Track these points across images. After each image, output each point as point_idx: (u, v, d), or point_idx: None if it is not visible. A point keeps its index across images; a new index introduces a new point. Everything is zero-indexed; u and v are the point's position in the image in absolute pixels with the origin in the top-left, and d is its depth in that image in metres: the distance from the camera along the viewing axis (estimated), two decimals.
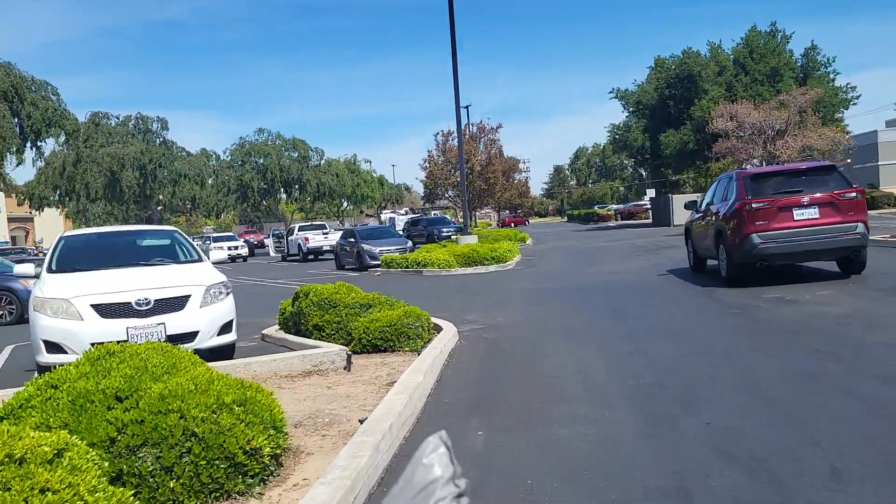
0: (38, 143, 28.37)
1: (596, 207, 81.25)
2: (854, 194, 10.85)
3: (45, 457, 2.67)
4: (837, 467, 3.54)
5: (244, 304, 15.60)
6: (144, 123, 44.51)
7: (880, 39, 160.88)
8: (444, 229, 35.28)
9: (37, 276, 7.73)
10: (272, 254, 44.50)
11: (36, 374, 4.94)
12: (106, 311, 6.67)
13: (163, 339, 6.74)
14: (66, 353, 6.48)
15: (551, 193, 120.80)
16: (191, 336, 6.93)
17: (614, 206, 77.82)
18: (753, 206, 10.77)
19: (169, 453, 3.47)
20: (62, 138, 31.05)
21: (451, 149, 38.61)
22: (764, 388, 5.13)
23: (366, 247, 24.33)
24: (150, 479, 3.40)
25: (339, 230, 34.31)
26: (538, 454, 4.13)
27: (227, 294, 7.41)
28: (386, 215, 63.87)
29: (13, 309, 14.32)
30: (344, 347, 7.03)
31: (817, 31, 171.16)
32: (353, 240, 25.40)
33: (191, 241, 8.52)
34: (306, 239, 35.66)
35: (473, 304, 11.99)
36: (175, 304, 6.92)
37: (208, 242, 44.99)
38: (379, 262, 22.77)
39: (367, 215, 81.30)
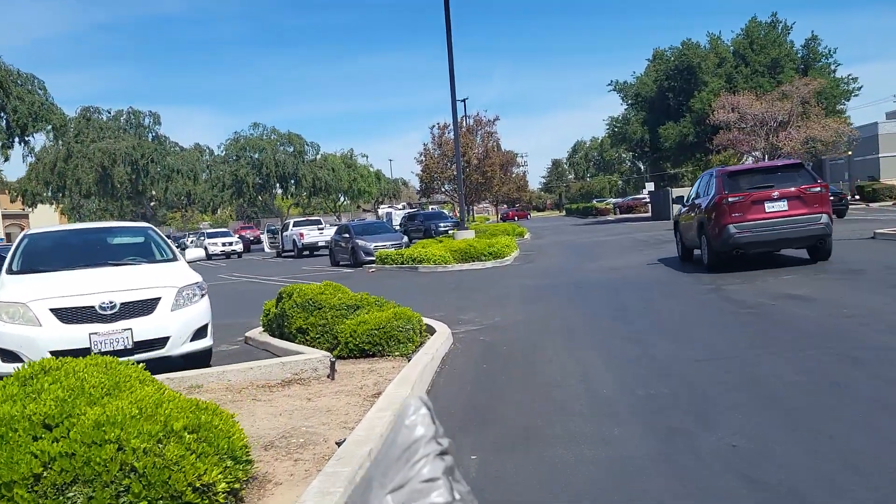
0: (27, 138, 27.76)
1: (594, 201, 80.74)
2: (819, 189, 11.92)
3: None
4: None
5: (232, 303, 15.14)
6: (136, 118, 43.80)
7: (880, 32, 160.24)
8: (442, 224, 34.73)
9: None
10: (267, 249, 43.91)
11: None
12: (67, 315, 6.12)
13: (129, 346, 6.21)
14: (22, 361, 5.92)
15: (549, 187, 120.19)
16: (161, 342, 6.39)
17: (613, 200, 77.29)
18: (730, 199, 11.86)
19: (103, 492, 2.93)
20: (50, 133, 30.42)
21: (448, 142, 37.94)
22: (780, 394, 4.60)
23: (360, 242, 23.78)
24: None
25: (335, 225, 33.75)
26: (540, 484, 3.60)
27: (202, 296, 6.86)
28: (383, 210, 63.27)
29: None
30: (328, 354, 6.49)
31: (818, 23, 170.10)
32: (347, 235, 24.85)
33: (165, 238, 7.97)
34: (301, 235, 35.07)
35: (469, 303, 11.46)
36: (143, 307, 6.37)
37: (202, 238, 44.44)
38: (374, 258, 22.24)
39: (364, 210, 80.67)
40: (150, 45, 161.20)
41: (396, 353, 7.09)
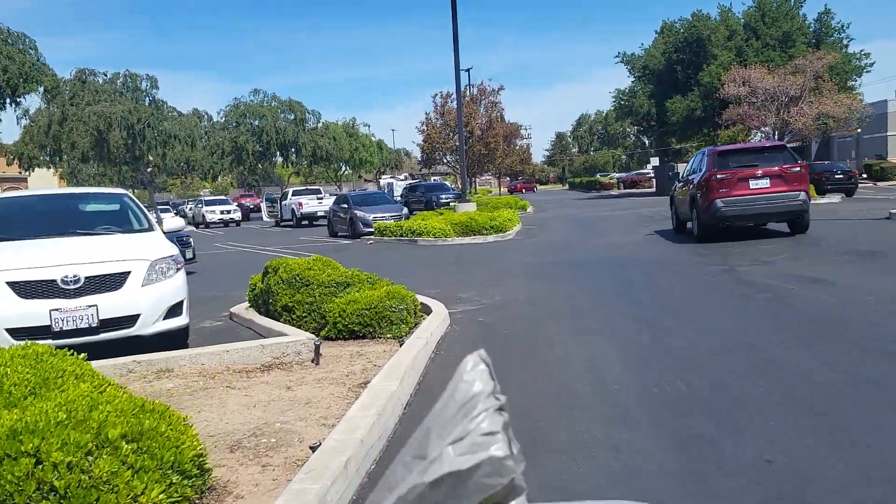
0: (17, 99, 26.97)
1: (598, 175, 79.80)
2: (798, 168, 13.04)
3: None
4: None
5: (225, 274, 14.60)
6: (133, 82, 42.75)
7: (891, 8, 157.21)
8: (443, 196, 34.06)
9: None
10: (265, 218, 43.35)
11: None
12: (25, 289, 5.57)
13: (94, 325, 5.68)
14: None
15: (553, 161, 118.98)
16: (129, 320, 5.85)
17: (617, 175, 76.35)
18: (718, 176, 12.89)
19: None
20: (43, 95, 29.58)
21: (450, 111, 37.03)
22: (805, 392, 4.08)
23: (359, 213, 23.19)
24: None
25: (335, 195, 33.14)
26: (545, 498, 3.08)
27: (178, 270, 6.31)
28: (384, 180, 62.52)
29: None
30: (312, 336, 5.96)
31: None
32: (346, 206, 24.25)
33: (142, 206, 7.38)
34: (300, 204, 34.50)
35: (469, 279, 10.93)
36: (111, 281, 5.83)
37: (200, 206, 43.81)
38: (372, 230, 21.67)
39: (365, 180, 79.85)
40: (149, 9, 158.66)
41: (388, 336, 6.58)
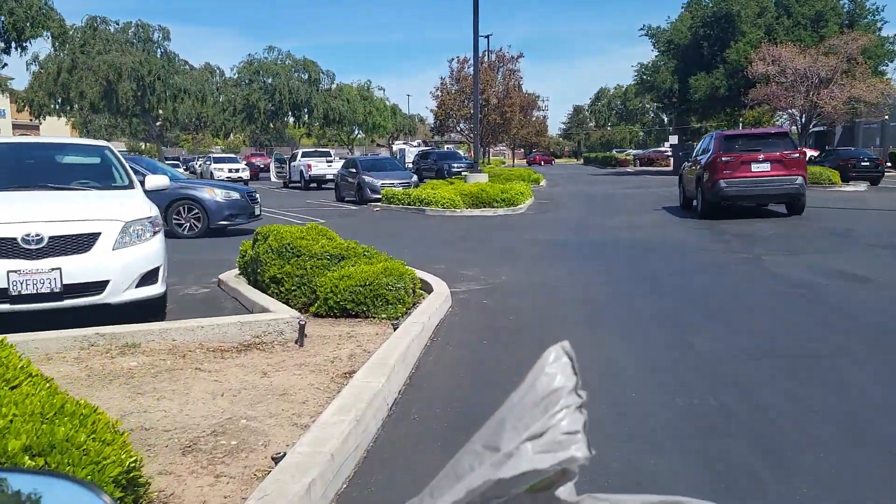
0: (24, 44, 26.26)
1: (614, 151, 78.56)
2: (797, 154, 14.04)
3: None
4: None
5: (223, 235, 14.04)
6: (145, 32, 41.81)
7: None
8: (455, 164, 33.31)
9: None
10: (273, 179, 42.67)
11: None
12: None
13: (57, 290, 5.12)
14: None
15: (569, 134, 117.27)
16: (97, 287, 5.29)
17: (633, 152, 75.09)
18: (723, 158, 13.88)
19: None
20: (50, 41, 28.86)
21: (467, 77, 35.95)
22: (872, 419, 3.48)
23: (367, 179, 22.52)
24: None
25: (345, 159, 32.45)
26: None
27: (155, 233, 5.73)
28: (397, 146, 61.60)
29: (198, 223, 12.99)
30: (297, 315, 5.39)
31: None
32: (354, 170, 23.56)
33: (123, 161, 6.78)
34: (309, 166, 33.85)
35: (475, 255, 10.33)
36: (78, 243, 5.26)
37: (209, 163, 43.16)
38: (380, 197, 21.04)
39: (378, 145, 78.88)
40: None
41: (383, 316, 6.00)
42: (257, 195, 14.25)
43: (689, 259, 9.59)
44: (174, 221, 12.86)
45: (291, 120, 60.68)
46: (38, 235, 5.12)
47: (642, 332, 5.69)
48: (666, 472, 3.09)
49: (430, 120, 44.24)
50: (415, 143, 63.10)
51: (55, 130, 62.54)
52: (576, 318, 6.29)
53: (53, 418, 2.38)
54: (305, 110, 56.67)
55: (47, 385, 2.70)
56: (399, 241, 11.88)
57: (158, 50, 42.31)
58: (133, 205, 5.81)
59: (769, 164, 13.73)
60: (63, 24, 28.71)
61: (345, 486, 3.00)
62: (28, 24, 24.83)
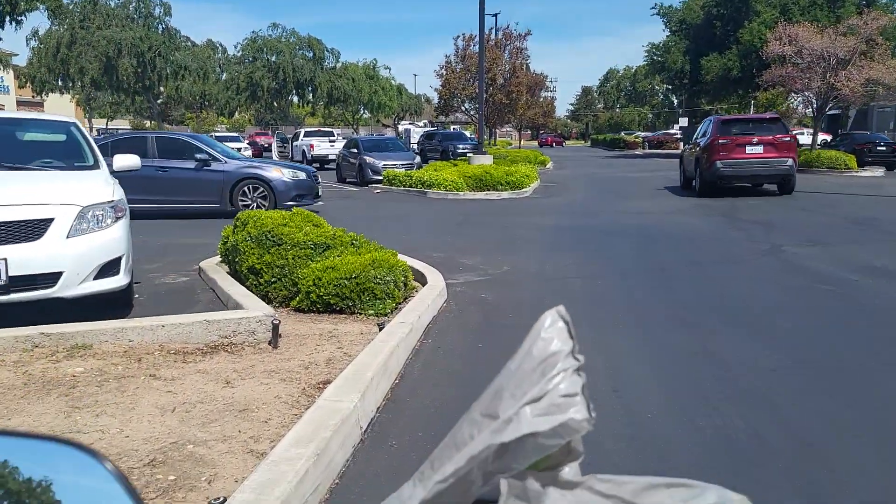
0: (18, 17, 25.62)
1: (623, 133, 77.52)
2: (788, 138, 15.31)
3: None
4: None
5: (215, 220, 13.45)
6: (146, 7, 41.01)
7: None
8: (461, 146, 32.62)
9: None
10: (275, 158, 42.13)
11: None
12: None
13: (2, 283, 4.58)
14: None
15: (577, 115, 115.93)
16: (49, 279, 4.75)
17: (642, 134, 73.99)
18: (720, 141, 15.06)
19: None
20: (46, 14, 28.24)
21: (472, 55, 35.00)
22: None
23: (368, 160, 21.89)
24: None
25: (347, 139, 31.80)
26: None
27: (118, 219, 5.16)
28: (403, 126, 60.78)
29: (264, 202, 12.48)
30: (270, 313, 4.84)
31: None
32: (355, 151, 22.92)
33: (90, 139, 6.21)
34: (311, 146, 33.37)
35: (476, 242, 9.76)
36: (26, 230, 4.71)
37: None
38: (381, 178, 20.44)
39: (383, 125, 77.98)
40: None
41: (371, 312, 5.46)
42: (317, 177, 13.86)
43: (705, 250, 9.00)
44: (240, 201, 12.52)
45: (296, 99, 59.83)
46: None
47: (656, 335, 5.12)
48: None
49: (436, 100, 43.32)
50: (420, 124, 62.27)
51: (59, 107, 61.88)
52: (582, 316, 5.71)
53: None
54: (309, 89, 55.81)
55: None
56: (397, 225, 11.32)
57: (159, 26, 41.53)
58: (93, 187, 5.24)
59: (762, 147, 14.87)
60: None
61: None
62: None
